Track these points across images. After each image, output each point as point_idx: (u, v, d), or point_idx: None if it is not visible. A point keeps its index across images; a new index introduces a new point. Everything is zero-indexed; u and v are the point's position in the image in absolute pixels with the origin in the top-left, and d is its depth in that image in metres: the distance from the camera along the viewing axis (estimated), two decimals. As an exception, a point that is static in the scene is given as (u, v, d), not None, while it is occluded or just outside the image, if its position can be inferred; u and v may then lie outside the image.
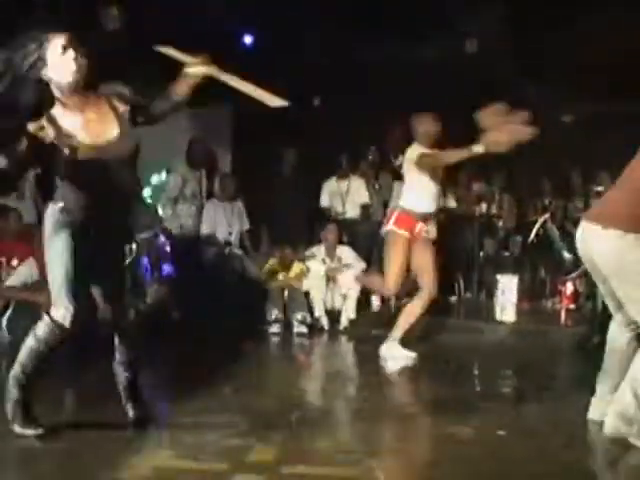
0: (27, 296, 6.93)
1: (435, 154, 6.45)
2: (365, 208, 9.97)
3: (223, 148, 11.05)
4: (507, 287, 8.83)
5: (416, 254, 6.56)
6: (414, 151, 6.54)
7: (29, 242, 7.26)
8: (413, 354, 6.43)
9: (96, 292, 3.92)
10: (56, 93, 3.65)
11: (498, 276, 9.14)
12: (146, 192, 10.30)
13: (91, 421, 4.03)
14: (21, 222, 7.76)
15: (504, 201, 10.66)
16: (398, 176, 10.41)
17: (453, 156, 6.33)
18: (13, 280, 7.18)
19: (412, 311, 6.54)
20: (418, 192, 6.56)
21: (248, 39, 11.18)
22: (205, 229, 9.13)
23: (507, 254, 10.47)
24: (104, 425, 3.97)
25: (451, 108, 10.55)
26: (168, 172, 9.55)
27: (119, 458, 3.50)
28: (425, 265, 6.55)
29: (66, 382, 5.16)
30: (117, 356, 4.04)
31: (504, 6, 9.99)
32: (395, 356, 6.47)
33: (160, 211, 9.20)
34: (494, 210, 10.50)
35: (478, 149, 5.97)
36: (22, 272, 7.16)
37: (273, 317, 8.19)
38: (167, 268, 8.25)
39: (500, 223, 10.54)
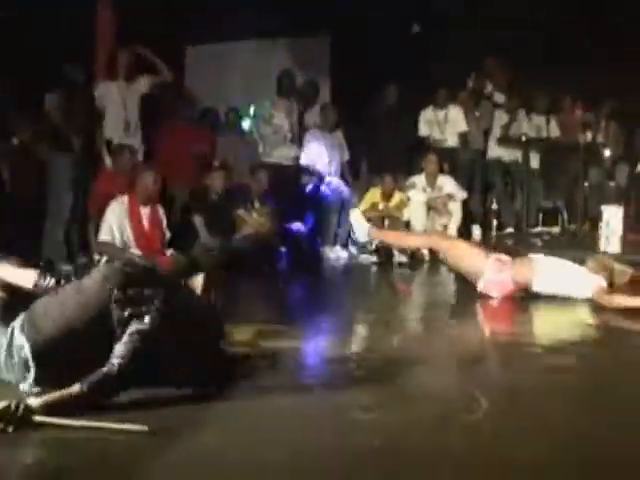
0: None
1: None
2: (464, 136, 9.86)
3: (322, 77, 10.91)
4: (612, 218, 8.67)
5: None
6: None
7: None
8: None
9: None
10: None
11: (603, 207, 8.98)
12: (246, 124, 10.35)
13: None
14: (134, 158, 7.85)
15: (610, 129, 10.40)
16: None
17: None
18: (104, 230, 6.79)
19: None
20: None
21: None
22: (304, 160, 9.17)
23: (613, 184, 10.25)
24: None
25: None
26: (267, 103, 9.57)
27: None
28: None
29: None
30: None
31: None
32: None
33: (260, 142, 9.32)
34: (600, 138, 10.26)
35: None
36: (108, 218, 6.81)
37: (374, 247, 8.25)
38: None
39: (606, 152, 10.29)
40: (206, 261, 6.37)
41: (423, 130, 9.87)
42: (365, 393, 3.30)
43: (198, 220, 7.57)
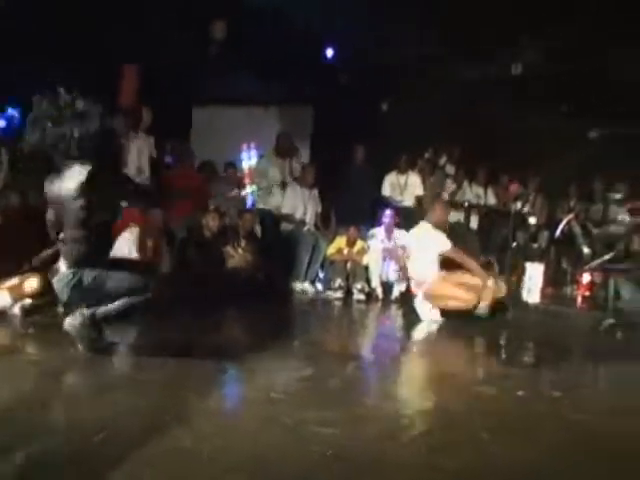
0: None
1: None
2: (419, 199, 9.94)
3: (304, 142, 11.01)
4: (534, 273, 8.77)
5: None
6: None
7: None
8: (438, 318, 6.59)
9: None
10: None
11: (527, 264, 9.08)
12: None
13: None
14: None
15: (537, 201, 10.58)
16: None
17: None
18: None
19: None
20: None
21: (330, 51, 11.14)
22: (285, 209, 9.22)
23: (536, 246, 10.39)
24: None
25: (493, 122, 10.61)
26: (261, 158, 9.61)
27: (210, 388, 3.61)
28: None
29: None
30: None
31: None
32: (424, 312, 6.66)
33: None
34: (527, 208, 10.41)
35: None
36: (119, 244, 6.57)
37: (337, 285, 8.28)
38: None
39: (532, 219, 10.45)
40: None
41: (386, 191, 9.88)
42: (323, 410, 3.31)
43: (192, 254, 7.57)
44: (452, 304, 6.64)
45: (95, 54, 8.29)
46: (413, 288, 6.98)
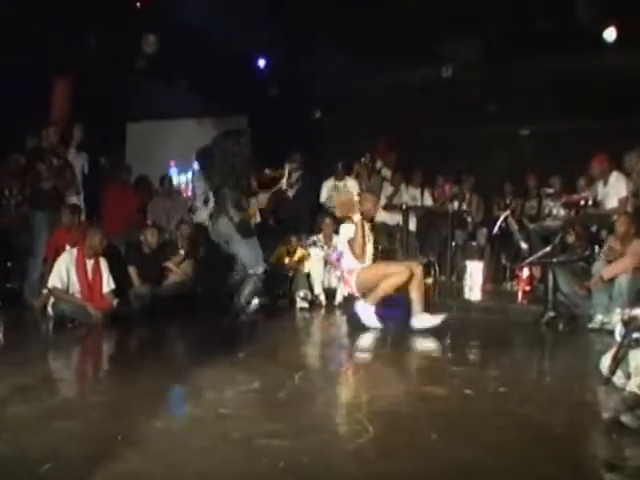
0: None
1: None
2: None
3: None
4: (474, 271, 8.89)
5: None
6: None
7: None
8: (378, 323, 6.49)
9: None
10: None
11: (467, 262, 9.20)
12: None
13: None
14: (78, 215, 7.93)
15: (473, 200, 10.71)
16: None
17: None
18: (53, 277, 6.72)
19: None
20: None
21: (262, 62, 11.13)
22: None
23: (474, 244, 10.53)
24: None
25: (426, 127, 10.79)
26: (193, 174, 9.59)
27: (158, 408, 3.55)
28: None
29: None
30: None
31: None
32: (366, 315, 6.52)
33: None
34: (464, 207, 10.54)
35: None
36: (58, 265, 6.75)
37: (280, 293, 8.25)
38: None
39: (469, 218, 10.59)
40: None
41: (324, 197, 9.89)
42: (272, 423, 3.29)
43: (132, 270, 7.46)
44: (386, 284, 6.52)
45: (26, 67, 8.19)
46: (350, 288, 6.84)
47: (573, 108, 9.58)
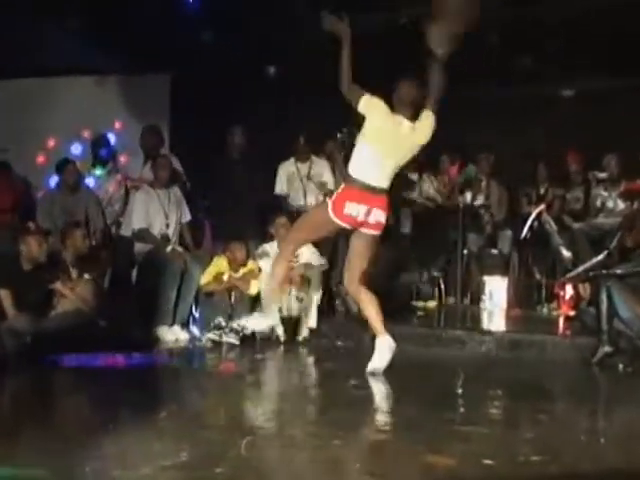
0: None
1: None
2: (329, 196, 9.88)
3: (159, 123, 10.73)
4: (495, 290, 8.93)
5: None
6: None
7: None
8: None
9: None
10: None
11: (485, 277, 9.23)
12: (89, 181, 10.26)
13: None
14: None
15: (492, 189, 10.71)
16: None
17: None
18: None
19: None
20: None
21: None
22: (137, 223, 9.02)
23: (495, 252, 10.54)
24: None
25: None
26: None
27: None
28: None
29: None
30: None
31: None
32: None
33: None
34: (480, 200, 10.55)
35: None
36: None
37: (216, 324, 8.18)
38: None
39: (487, 216, 10.58)
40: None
41: (280, 187, 9.81)
42: None
43: (5, 295, 7.36)
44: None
45: None
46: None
47: (634, 59, 9.63)
